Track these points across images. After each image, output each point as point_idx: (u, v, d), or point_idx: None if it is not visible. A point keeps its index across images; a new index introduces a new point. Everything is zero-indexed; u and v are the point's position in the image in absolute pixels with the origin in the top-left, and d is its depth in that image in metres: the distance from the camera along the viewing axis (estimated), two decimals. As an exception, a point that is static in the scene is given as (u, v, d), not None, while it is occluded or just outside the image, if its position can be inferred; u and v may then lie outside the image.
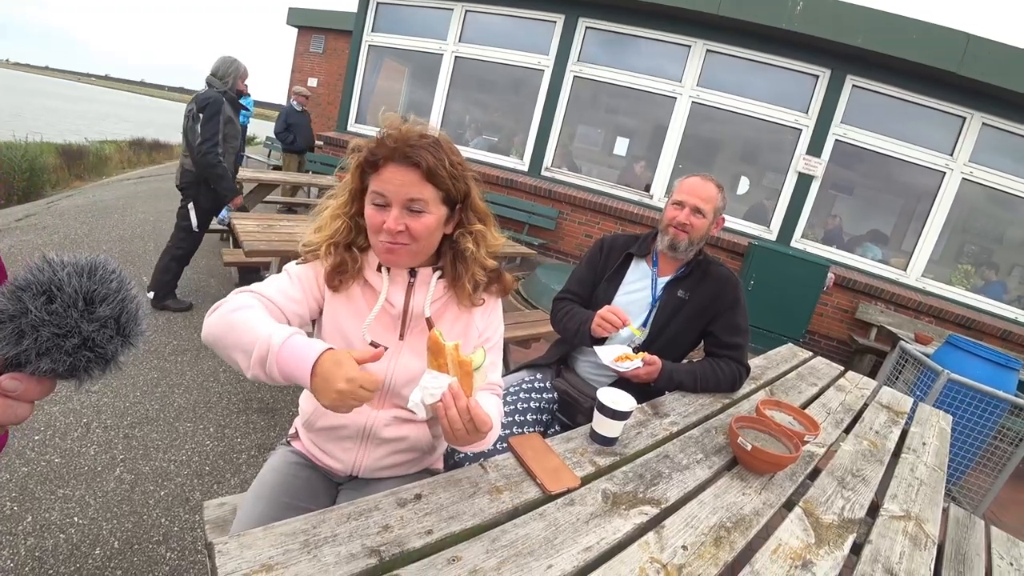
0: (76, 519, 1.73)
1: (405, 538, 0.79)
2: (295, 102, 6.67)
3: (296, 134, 6.56)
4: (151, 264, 4.05)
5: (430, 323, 1.04)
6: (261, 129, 18.27)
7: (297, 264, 1.06)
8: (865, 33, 4.73)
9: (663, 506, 1.02)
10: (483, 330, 1.12)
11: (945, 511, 1.59)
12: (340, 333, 1.03)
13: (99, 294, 0.45)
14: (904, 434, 1.77)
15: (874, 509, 1.25)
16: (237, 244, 2.79)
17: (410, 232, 0.95)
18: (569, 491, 0.99)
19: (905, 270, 5.34)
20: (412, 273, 1.04)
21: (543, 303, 4.22)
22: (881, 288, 5.12)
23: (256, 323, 0.85)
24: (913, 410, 2.01)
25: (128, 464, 2.00)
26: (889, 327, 4.82)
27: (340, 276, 1.02)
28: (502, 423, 1.48)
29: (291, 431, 1.22)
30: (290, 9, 11.88)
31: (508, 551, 0.81)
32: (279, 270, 3.19)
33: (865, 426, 1.72)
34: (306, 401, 1.15)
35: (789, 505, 1.16)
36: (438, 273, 1.05)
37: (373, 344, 1.02)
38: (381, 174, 0.94)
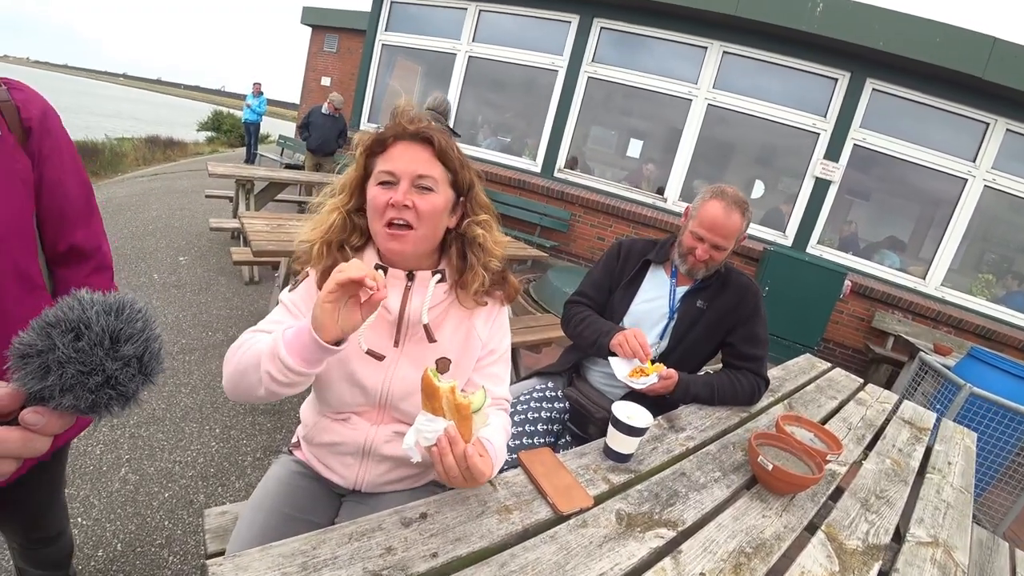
0: (80, 519, 1.72)
1: (409, 561, 0.75)
2: (325, 105, 6.73)
3: (312, 133, 6.60)
4: (163, 261, 4.07)
5: (428, 330, 0.98)
6: (274, 127, 18.41)
7: (289, 291, 1.03)
8: (887, 36, 4.63)
9: (680, 528, 0.98)
10: (487, 341, 1.05)
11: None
12: None
13: (125, 333, 0.45)
14: (928, 452, 1.70)
15: (899, 533, 1.20)
16: (247, 243, 2.77)
17: (417, 210, 0.90)
18: (582, 511, 0.95)
19: (924, 278, 5.22)
20: (410, 276, 0.99)
21: (554, 306, 4.17)
22: (899, 297, 5.02)
23: (258, 344, 0.88)
24: (936, 426, 1.94)
25: (133, 464, 1.99)
26: (907, 337, 4.72)
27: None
28: (512, 434, 1.44)
29: (293, 440, 1.19)
30: (304, 8, 11.95)
31: (517, 577, 0.76)
32: (288, 269, 3.15)
33: (887, 443, 1.65)
34: (306, 412, 1.12)
35: (811, 528, 1.11)
36: (437, 276, 0.99)
37: (371, 352, 0.96)
38: (390, 152, 0.93)
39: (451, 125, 4.11)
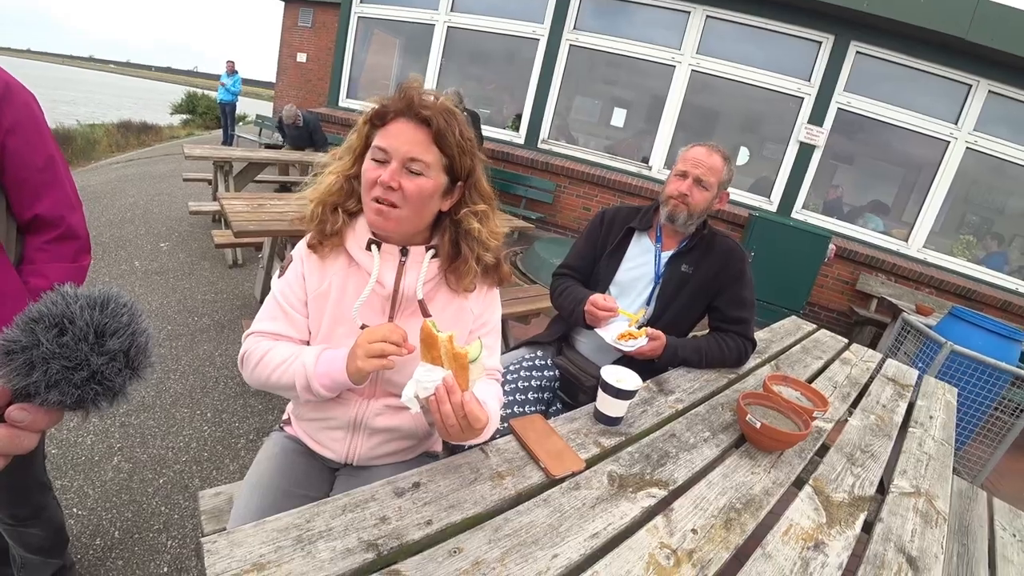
0: (75, 510, 1.71)
1: (404, 530, 0.75)
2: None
3: (284, 132, 6.68)
4: (143, 248, 3.99)
5: (423, 305, 0.99)
6: (251, 107, 17.93)
7: (278, 278, 1.05)
8: (870, -4, 4.58)
9: (671, 488, 0.99)
10: (479, 314, 1.06)
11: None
12: (329, 318, 0.99)
13: (110, 327, 0.45)
14: (911, 407, 1.75)
15: (883, 485, 1.23)
16: (228, 225, 2.72)
17: (403, 192, 0.90)
18: (574, 475, 0.96)
19: (906, 241, 5.29)
20: (404, 252, 0.99)
21: (542, 278, 4.17)
22: (882, 259, 5.08)
23: (284, 363, 0.95)
24: (918, 383, 1.99)
25: (126, 452, 1.98)
26: (890, 298, 4.80)
27: (321, 237, 0.99)
28: (503, 402, 1.45)
29: (284, 416, 1.18)
30: (276, -19, 11.52)
31: (512, 540, 0.77)
32: (271, 250, 3.09)
33: (872, 400, 1.69)
34: None
35: (799, 483, 1.13)
36: (431, 252, 1.00)
37: (365, 327, 0.97)
38: (388, 128, 0.92)
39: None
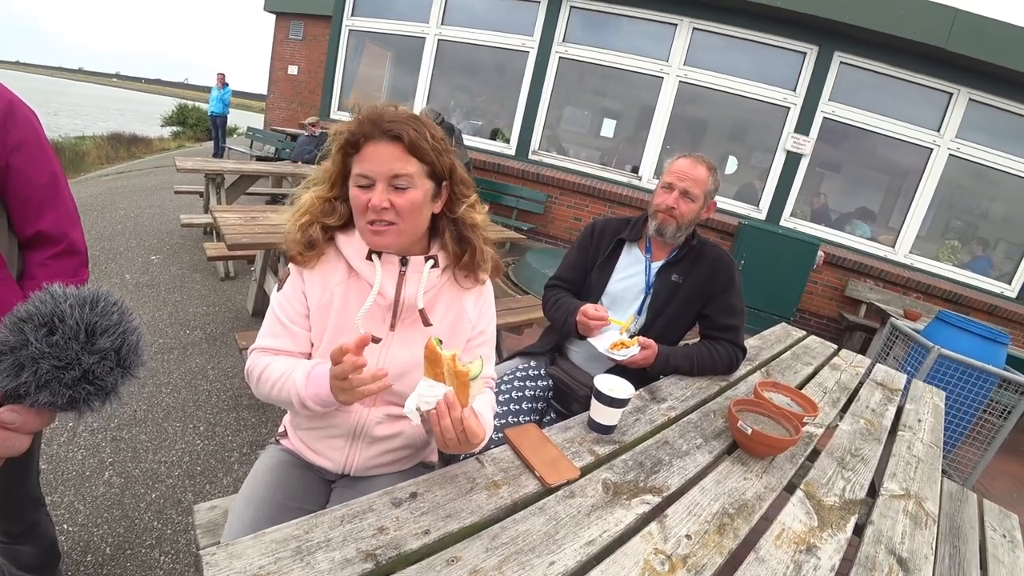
0: (66, 526, 1.69)
1: (402, 539, 0.76)
2: (305, 132, 7.27)
3: (295, 140, 7.34)
4: (134, 261, 3.97)
5: (423, 314, 1.00)
6: (242, 119, 17.91)
7: (277, 291, 1.05)
8: (853, 8, 4.68)
9: (665, 494, 1.01)
10: (476, 322, 1.09)
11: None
12: (332, 329, 1.00)
13: (100, 326, 0.44)
14: (899, 411, 1.77)
15: (874, 488, 1.25)
16: (220, 237, 2.72)
17: (395, 209, 0.92)
18: (569, 483, 0.97)
19: (893, 247, 5.37)
20: (403, 262, 1.00)
21: (534, 288, 4.19)
22: (870, 265, 5.15)
23: (280, 380, 0.96)
24: (907, 387, 2.02)
25: (117, 467, 1.96)
26: (878, 304, 4.86)
27: (301, 249, 1.00)
28: (497, 413, 1.46)
29: (280, 429, 1.19)
30: (267, -6, 11.57)
31: (509, 549, 0.78)
32: (264, 263, 3.08)
33: (861, 405, 1.71)
34: None
35: (791, 488, 1.15)
36: (431, 262, 1.02)
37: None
38: (363, 153, 0.93)
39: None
